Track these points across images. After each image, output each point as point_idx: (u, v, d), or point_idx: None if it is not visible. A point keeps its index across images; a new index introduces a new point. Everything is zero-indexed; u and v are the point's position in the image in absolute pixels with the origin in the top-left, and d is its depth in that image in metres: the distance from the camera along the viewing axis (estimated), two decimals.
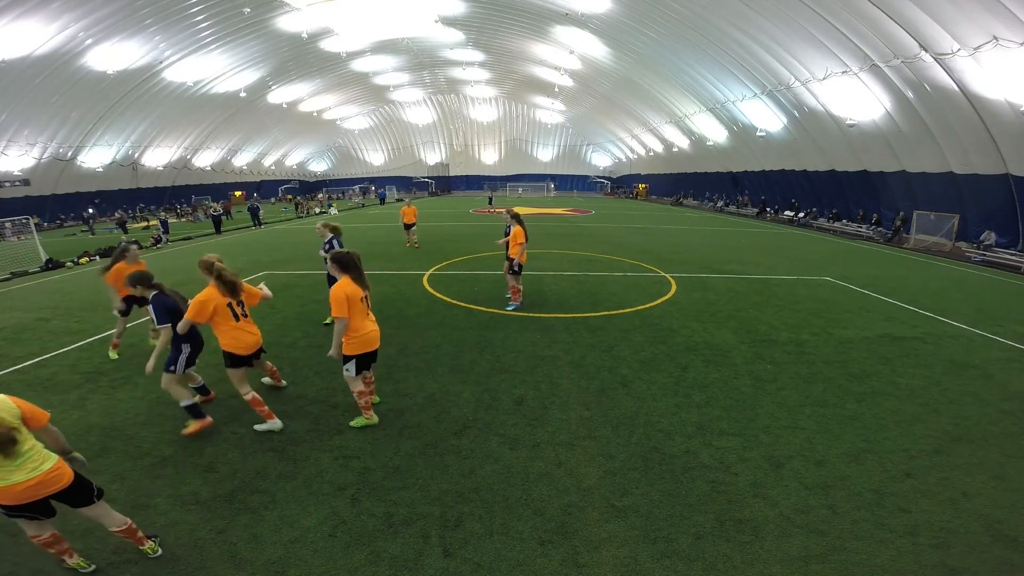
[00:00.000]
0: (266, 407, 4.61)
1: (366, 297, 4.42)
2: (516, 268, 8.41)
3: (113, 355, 6.59)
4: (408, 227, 15.75)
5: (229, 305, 4.38)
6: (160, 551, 3.15)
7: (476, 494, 3.73)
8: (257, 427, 4.65)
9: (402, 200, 49.26)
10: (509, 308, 8.57)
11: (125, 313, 6.52)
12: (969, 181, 18.03)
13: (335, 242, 7.29)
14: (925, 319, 8.66)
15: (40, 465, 2.67)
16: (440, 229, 19.46)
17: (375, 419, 4.75)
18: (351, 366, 4.45)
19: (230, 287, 4.39)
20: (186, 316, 4.31)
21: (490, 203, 38.71)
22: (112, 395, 5.43)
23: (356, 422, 4.72)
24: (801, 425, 4.81)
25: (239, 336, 4.45)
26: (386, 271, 11.71)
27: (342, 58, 36.88)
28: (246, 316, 4.55)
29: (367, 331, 4.42)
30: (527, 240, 8.36)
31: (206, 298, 4.27)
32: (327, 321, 6.76)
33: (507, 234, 8.78)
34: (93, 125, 28.72)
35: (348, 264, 4.35)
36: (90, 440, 4.47)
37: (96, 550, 3.17)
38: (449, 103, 59.90)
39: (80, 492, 2.84)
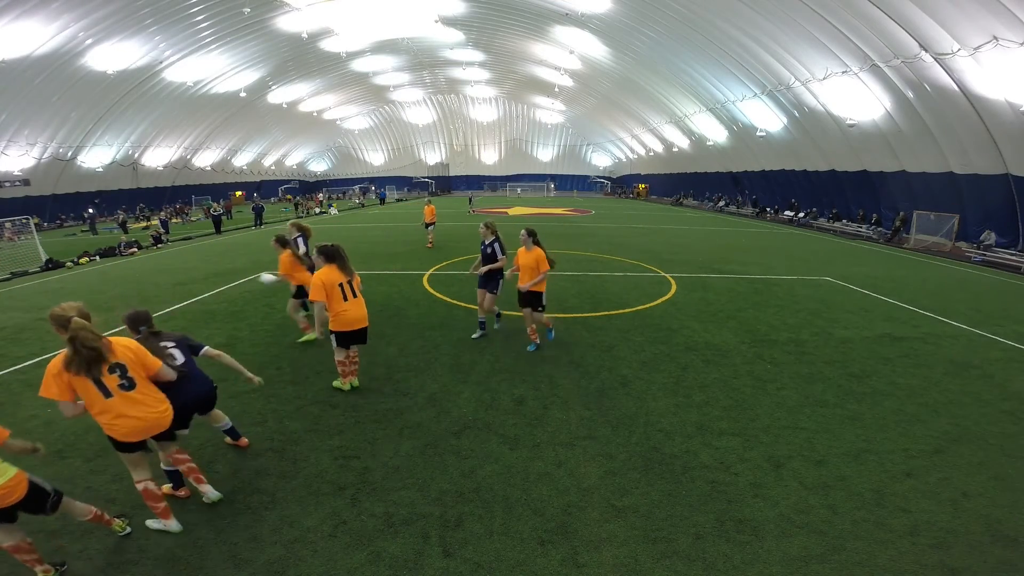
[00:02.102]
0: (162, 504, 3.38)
1: (349, 283, 5.07)
2: (544, 303, 6.57)
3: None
4: (428, 226, 16.43)
5: (97, 380, 3.01)
6: (129, 529, 3.33)
7: (476, 494, 3.73)
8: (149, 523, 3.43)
9: (401, 200, 49.26)
10: (531, 348, 6.74)
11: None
12: (969, 181, 18.03)
13: (300, 241, 7.46)
14: (925, 319, 8.66)
15: None
16: (440, 229, 19.46)
17: (346, 387, 5.44)
18: (334, 339, 5.21)
19: (86, 360, 2.95)
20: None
21: (470, 203, 35.78)
22: None
23: (335, 383, 5.51)
24: (801, 425, 4.81)
25: (115, 417, 3.09)
26: (386, 271, 11.71)
27: (342, 58, 36.88)
28: (130, 388, 3.11)
29: (345, 312, 5.04)
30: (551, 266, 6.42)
31: (56, 370, 2.96)
32: (300, 340, 6.64)
33: (487, 256, 6.77)
34: (93, 125, 28.72)
35: (333, 255, 5.06)
36: (90, 440, 4.47)
37: (96, 550, 3.17)
38: (449, 103, 59.89)
39: (34, 502, 2.85)
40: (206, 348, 3.93)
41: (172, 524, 3.35)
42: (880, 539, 3.30)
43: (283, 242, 6.92)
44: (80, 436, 4.54)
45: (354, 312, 5.09)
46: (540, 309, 6.55)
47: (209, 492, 3.61)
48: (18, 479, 2.77)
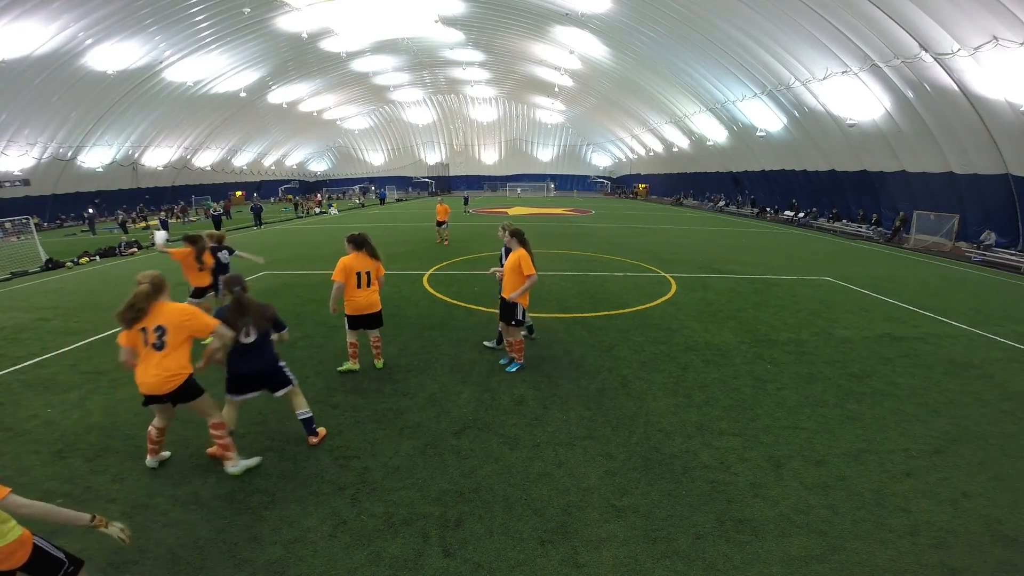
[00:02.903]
0: (155, 446, 4.01)
1: (368, 273, 5.50)
2: (520, 318, 5.66)
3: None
4: (441, 224, 17.04)
5: (143, 330, 3.56)
6: None
7: (476, 494, 3.73)
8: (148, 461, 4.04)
9: (401, 200, 49.28)
10: (510, 369, 5.97)
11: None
12: (969, 181, 18.03)
13: (220, 253, 7.50)
14: (925, 319, 8.66)
15: None
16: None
17: (356, 367, 5.83)
18: (345, 322, 5.70)
19: (128, 317, 3.53)
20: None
21: (466, 204, 34.73)
22: (112, 395, 5.43)
23: (342, 366, 5.84)
24: (801, 425, 4.81)
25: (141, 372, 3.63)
26: (386, 271, 11.67)
27: (342, 58, 36.88)
28: (157, 349, 3.58)
29: (355, 298, 5.51)
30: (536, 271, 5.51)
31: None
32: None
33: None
34: (93, 125, 28.72)
35: (360, 243, 5.55)
36: (90, 440, 4.47)
37: (96, 550, 3.17)
38: (449, 103, 59.89)
39: (41, 570, 2.41)
40: (285, 331, 4.45)
41: (151, 460, 4.00)
42: (880, 539, 3.30)
43: (192, 240, 6.87)
44: (80, 436, 4.54)
45: (362, 299, 5.53)
46: (514, 324, 5.66)
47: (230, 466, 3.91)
48: (20, 543, 2.33)
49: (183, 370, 3.66)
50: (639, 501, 3.66)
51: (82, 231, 26.24)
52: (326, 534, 3.31)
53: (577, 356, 6.52)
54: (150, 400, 3.69)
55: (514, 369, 5.96)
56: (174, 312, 3.64)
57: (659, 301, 9.37)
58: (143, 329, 3.55)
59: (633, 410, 5.07)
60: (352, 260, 5.47)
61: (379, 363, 6.11)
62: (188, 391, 3.72)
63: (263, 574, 2.99)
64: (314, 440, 4.38)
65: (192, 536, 3.30)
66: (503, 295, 5.66)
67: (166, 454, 4.17)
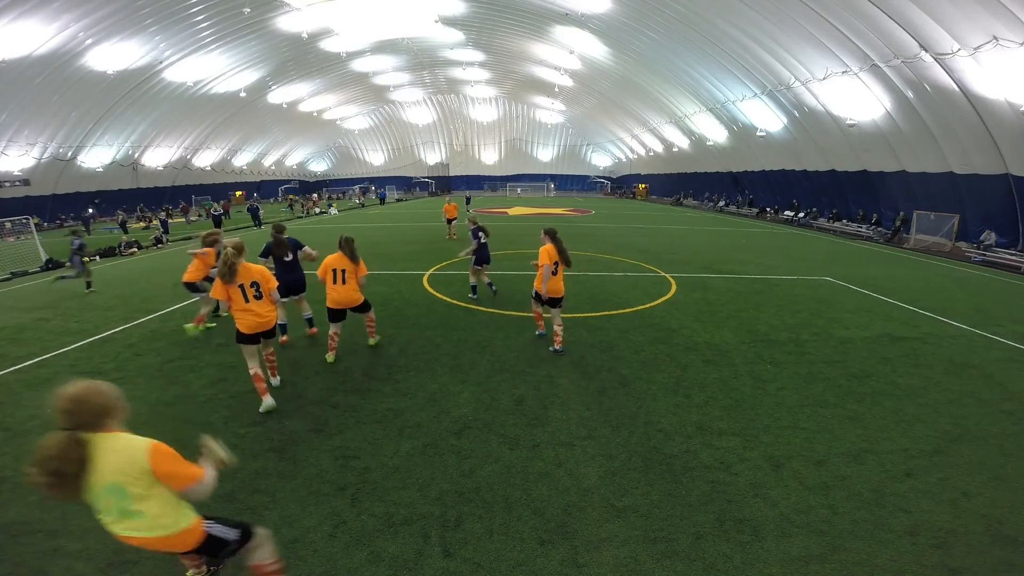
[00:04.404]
0: (263, 384, 5.00)
1: (344, 271, 6.01)
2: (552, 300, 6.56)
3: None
4: (450, 221, 18.22)
5: (241, 287, 4.79)
6: None
7: (476, 494, 3.73)
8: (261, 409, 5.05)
9: (402, 200, 49.31)
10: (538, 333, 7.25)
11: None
12: (969, 181, 18.03)
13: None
14: (925, 319, 8.66)
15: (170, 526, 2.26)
16: (440, 228, 19.47)
17: (330, 359, 6.22)
18: (327, 314, 6.24)
19: (228, 273, 4.70)
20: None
21: (467, 203, 34.76)
22: None
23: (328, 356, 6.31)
24: (801, 425, 4.81)
25: (241, 317, 4.89)
26: (386, 271, 11.70)
27: (342, 58, 36.89)
28: (257, 298, 4.87)
29: (331, 292, 6.08)
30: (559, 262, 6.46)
31: (219, 283, 4.82)
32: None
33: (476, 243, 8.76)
34: (93, 125, 28.73)
35: (340, 244, 6.06)
36: None
37: (95, 550, 3.17)
38: (449, 103, 59.91)
39: (210, 550, 2.45)
40: (305, 247, 6.85)
41: (267, 400, 4.95)
42: (880, 539, 3.30)
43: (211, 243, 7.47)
44: None
45: (337, 295, 6.06)
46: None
47: (266, 401, 4.95)
48: (192, 529, 2.35)
49: (271, 312, 5.00)
50: (639, 501, 3.66)
51: (66, 236, 25.97)
52: (326, 534, 3.31)
53: (577, 356, 6.52)
54: (246, 339, 4.87)
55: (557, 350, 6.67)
56: (259, 271, 4.90)
57: (659, 301, 9.37)
58: (240, 286, 4.73)
59: (633, 410, 5.07)
60: (332, 259, 6.05)
61: (372, 341, 6.80)
62: (275, 329, 5.25)
63: None
64: (312, 331, 7.08)
65: None
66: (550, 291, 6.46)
67: (275, 381, 5.57)
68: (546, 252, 6.26)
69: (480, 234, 8.93)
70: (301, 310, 7.01)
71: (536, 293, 6.56)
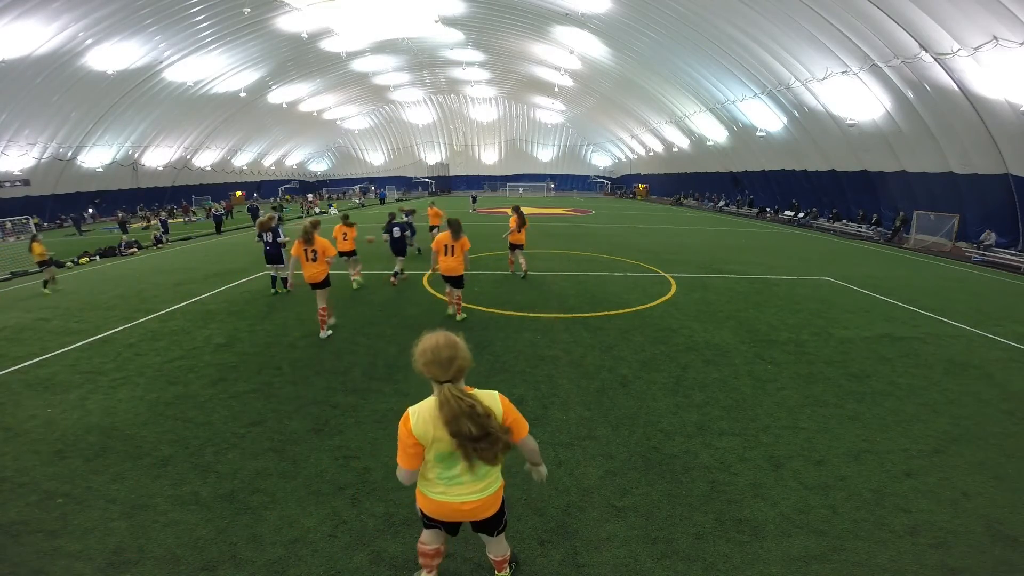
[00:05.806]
0: (325, 317, 7.16)
1: (312, 251, 6.95)
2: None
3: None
4: (432, 228, 17.34)
5: (304, 250, 6.90)
6: None
7: None
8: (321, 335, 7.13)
9: (401, 200, 49.29)
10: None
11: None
12: (969, 181, 18.04)
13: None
14: (925, 319, 8.66)
15: (490, 486, 2.28)
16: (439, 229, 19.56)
17: (321, 336, 7.21)
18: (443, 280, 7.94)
19: (304, 237, 6.86)
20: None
21: (473, 202, 37.01)
22: (112, 395, 5.43)
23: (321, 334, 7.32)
24: (801, 425, 4.81)
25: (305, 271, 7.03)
26: (386, 271, 11.71)
27: (342, 58, 36.89)
28: (313, 260, 6.93)
29: (443, 261, 7.49)
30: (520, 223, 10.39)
31: (297, 245, 6.92)
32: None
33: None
34: (93, 125, 28.72)
35: (448, 224, 7.45)
36: (90, 440, 4.47)
37: (95, 550, 3.17)
38: (449, 103, 59.90)
39: (495, 523, 2.41)
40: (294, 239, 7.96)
41: (323, 333, 7.18)
42: (880, 539, 3.30)
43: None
44: (80, 436, 4.54)
45: (307, 271, 7.06)
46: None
47: (322, 333, 7.14)
48: (499, 494, 2.33)
49: (323, 271, 7.01)
50: (639, 501, 3.66)
51: (67, 236, 24.90)
52: (326, 534, 3.31)
53: (577, 356, 6.52)
54: (310, 287, 7.16)
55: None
56: (322, 241, 6.95)
57: (659, 301, 9.37)
58: (306, 249, 6.83)
59: (633, 410, 5.07)
60: (443, 236, 7.42)
61: (459, 316, 7.95)
62: (326, 282, 7.11)
63: (263, 574, 2.98)
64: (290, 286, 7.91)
65: (192, 536, 3.29)
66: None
67: (332, 321, 7.39)
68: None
69: (395, 229, 10.87)
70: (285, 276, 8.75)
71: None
